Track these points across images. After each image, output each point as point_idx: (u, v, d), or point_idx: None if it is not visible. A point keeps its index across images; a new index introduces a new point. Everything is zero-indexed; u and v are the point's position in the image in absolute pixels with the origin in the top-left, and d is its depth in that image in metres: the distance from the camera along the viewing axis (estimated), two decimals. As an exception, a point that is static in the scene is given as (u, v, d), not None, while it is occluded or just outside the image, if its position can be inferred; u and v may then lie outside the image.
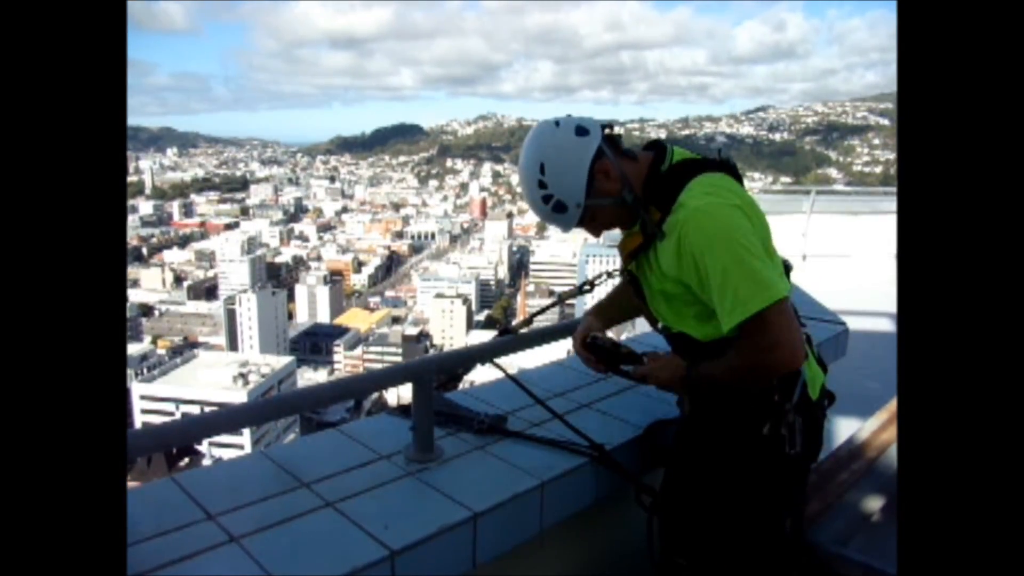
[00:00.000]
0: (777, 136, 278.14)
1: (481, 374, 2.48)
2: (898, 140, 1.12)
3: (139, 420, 72.56)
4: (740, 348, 1.80)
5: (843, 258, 9.74)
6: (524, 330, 2.57)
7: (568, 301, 2.53)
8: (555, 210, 1.92)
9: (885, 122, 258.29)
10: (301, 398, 1.96)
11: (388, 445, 2.20)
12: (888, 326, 6.42)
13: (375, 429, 2.34)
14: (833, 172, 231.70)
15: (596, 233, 2.07)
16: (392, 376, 2.08)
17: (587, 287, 2.46)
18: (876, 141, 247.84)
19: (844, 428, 4.11)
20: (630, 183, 1.92)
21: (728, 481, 1.97)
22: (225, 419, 1.78)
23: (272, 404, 1.89)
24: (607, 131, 1.95)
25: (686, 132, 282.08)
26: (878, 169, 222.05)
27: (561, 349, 3.85)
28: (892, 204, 10.77)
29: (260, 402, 1.88)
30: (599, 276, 2.45)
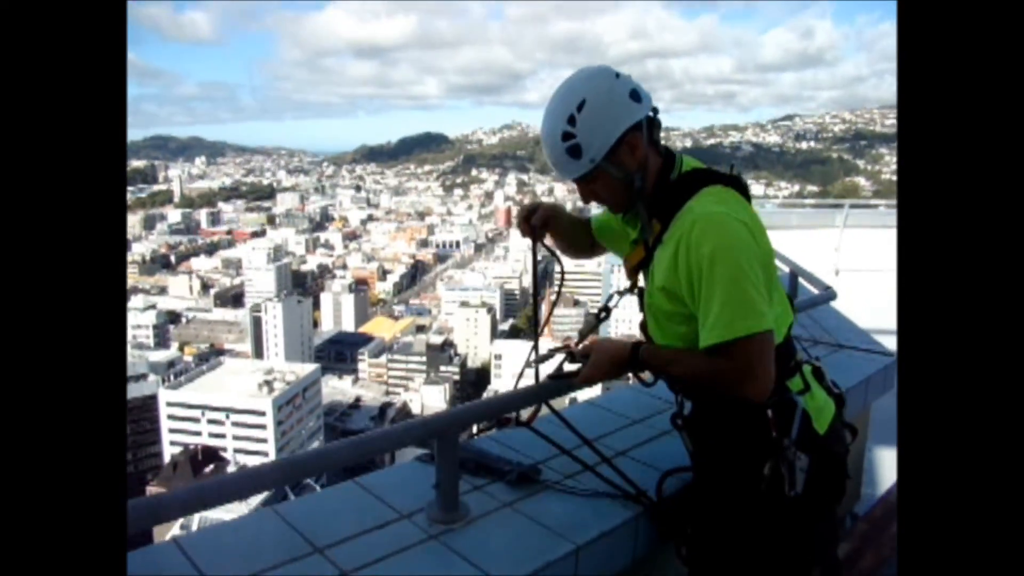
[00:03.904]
0: (804, 145, 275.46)
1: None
2: (898, 149, 1.13)
3: (165, 426, 73.25)
4: (713, 364, 1.74)
5: (877, 273, 9.46)
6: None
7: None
8: (568, 152, 1.80)
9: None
10: (315, 459, 1.82)
11: (410, 501, 2.04)
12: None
13: (397, 481, 2.18)
14: (861, 181, 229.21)
15: (585, 198, 1.93)
16: (413, 432, 1.91)
17: (604, 315, 2.34)
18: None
19: (893, 469, 3.89)
20: (645, 172, 1.84)
21: (738, 530, 1.85)
22: (231, 487, 1.63)
23: (284, 467, 1.70)
24: (653, 113, 1.85)
25: (711, 141, 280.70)
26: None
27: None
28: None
29: (271, 465, 1.70)
30: (611, 297, 2.26)
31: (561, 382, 2.10)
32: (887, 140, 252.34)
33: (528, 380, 2.16)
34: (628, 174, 1.82)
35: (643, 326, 2.05)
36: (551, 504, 2.09)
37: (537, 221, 2.19)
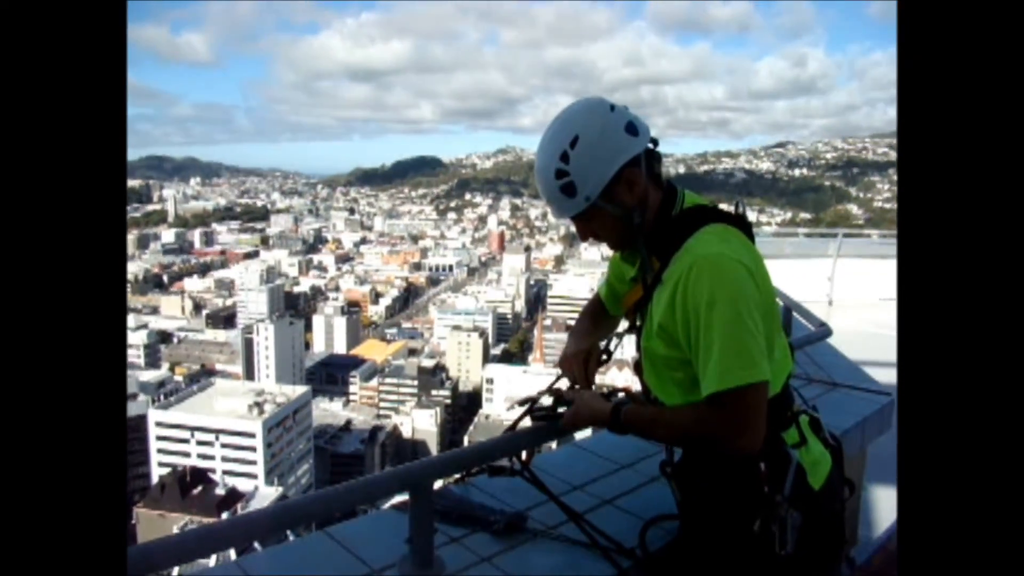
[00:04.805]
0: (797, 172, 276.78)
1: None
2: (898, 176, 1.13)
3: (153, 447, 72.57)
4: (701, 415, 1.66)
5: (871, 303, 9.41)
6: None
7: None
8: (562, 190, 1.71)
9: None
10: (278, 516, 1.62)
11: (382, 554, 1.92)
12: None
13: (369, 531, 2.07)
14: (853, 208, 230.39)
15: (583, 235, 1.83)
16: (386, 484, 1.80)
17: (604, 357, 2.18)
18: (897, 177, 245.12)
19: (890, 510, 3.77)
20: (644, 208, 1.75)
21: None
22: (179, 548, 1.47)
23: (243, 525, 1.60)
24: (652, 145, 1.76)
25: (705, 167, 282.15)
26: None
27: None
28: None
29: (228, 524, 1.61)
30: (610, 340, 2.18)
31: (543, 431, 2.01)
32: (879, 168, 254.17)
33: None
34: (626, 211, 1.73)
35: (638, 367, 1.95)
36: (531, 558, 1.98)
37: (594, 374, 2.10)
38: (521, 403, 2.09)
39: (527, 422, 2.09)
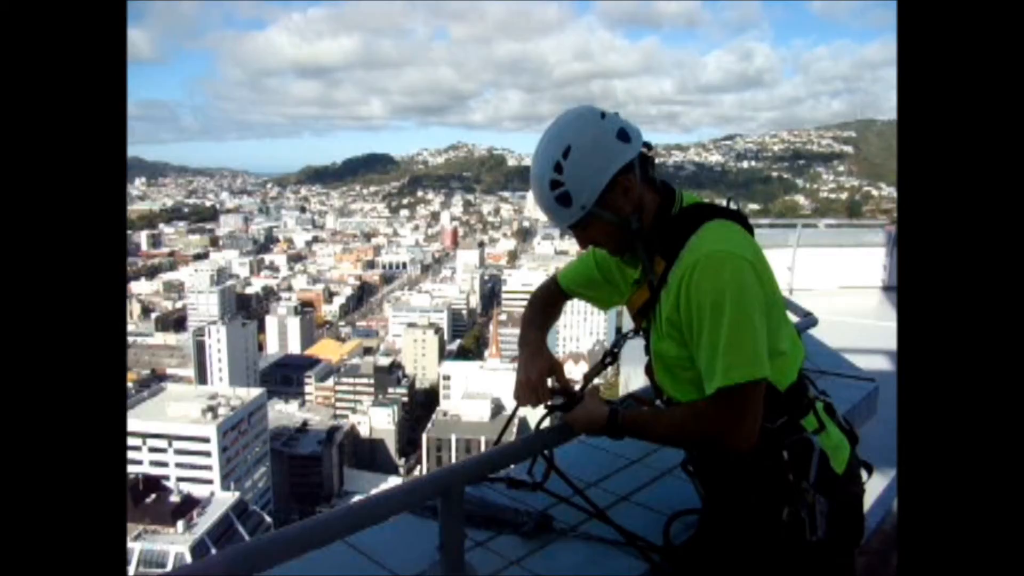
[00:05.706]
0: (745, 164, 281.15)
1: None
2: (899, 166, 1.15)
3: (104, 456, 70.82)
4: (699, 412, 1.69)
5: (832, 291, 9.59)
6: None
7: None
8: (558, 200, 1.71)
9: (849, 149, 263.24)
10: (308, 533, 1.53)
11: (409, 563, 1.88)
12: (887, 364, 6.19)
13: (393, 539, 2.02)
14: (800, 199, 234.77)
15: (582, 243, 1.84)
16: (418, 492, 1.76)
17: (609, 359, 2.18)
18: (841, 168, 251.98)
19: (876, 494, 3.83)
20: (641, 212, 1.76)
21: None
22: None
23: (269, 546, 1.48)
24: (645, 149, 1.77)
25: (656, 161, 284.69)
26: (843, 195, 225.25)
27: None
28: (877, 237, 10.73)
29: (253, 545, 1.50)
30: (616, 342, 2.15)
31: (566, 431, 1.98)
32: (824, 159, 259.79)
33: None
34: (623, 217, 1.74)
35: (649, 370, 1.94)
36: (558, 558, 1.96)
37: (564, 380, 2.02)
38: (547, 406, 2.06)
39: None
